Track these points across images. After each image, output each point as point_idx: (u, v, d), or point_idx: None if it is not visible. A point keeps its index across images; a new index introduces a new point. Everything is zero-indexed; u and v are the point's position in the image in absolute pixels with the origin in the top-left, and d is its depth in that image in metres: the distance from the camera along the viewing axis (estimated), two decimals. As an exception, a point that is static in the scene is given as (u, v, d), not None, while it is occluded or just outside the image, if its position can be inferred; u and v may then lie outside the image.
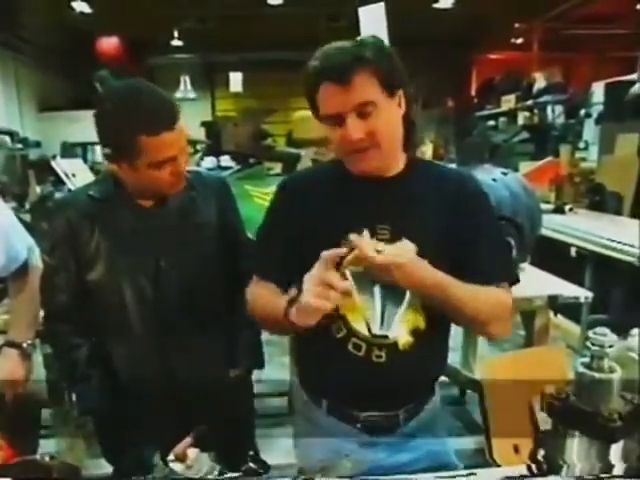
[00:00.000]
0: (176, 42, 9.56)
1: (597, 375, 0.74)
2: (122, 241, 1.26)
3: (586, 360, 0.75)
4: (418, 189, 1.10)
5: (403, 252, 0.96)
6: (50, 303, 1.33)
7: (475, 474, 0.98)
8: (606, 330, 0.72)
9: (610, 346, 0.71)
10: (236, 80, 9.86)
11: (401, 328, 1.06)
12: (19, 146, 7.27)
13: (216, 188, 1.38)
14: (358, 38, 1.05)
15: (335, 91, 1.00)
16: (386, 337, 1.05)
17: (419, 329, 1.08)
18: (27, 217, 3.82)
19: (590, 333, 0.73)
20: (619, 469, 0.72)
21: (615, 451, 0.72)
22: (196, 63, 11.08)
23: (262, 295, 1.13)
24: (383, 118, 1.02)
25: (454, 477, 0.98)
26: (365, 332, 1.06)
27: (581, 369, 0.75)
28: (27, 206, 4.66)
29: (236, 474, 0.97)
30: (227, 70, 10.17)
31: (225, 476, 0.96)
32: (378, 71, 1.00)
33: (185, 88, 9.94)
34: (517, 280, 1.14)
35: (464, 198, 1.10)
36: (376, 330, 1.05)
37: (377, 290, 1.03)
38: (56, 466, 0.99)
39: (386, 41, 1.08)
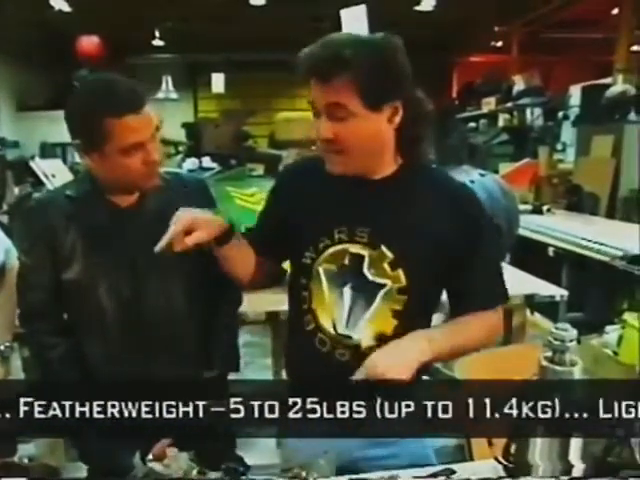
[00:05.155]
0: (157, 42, 9.47)
1: (559, 368, 0.77)
2: (97, 241, 1.26)
3: (549, 354, 0.78)
4: (406, 194, 1.07)
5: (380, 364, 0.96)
6: (25, 302, 1.32)
7: (455, 472, 0.99)
8: (567, 325, 0.75)
9: (571, 340, 0.74)
10: (218, 81, 9.80)
11: (365, 331, 1.07)
12: (-4, 146, 7.13)
13: (194, 189, 1.37)
14: (358, 35, 1.06)
15: (317, 85, 1.00)
16: (350, 337, 1.07)
17: (385, 334, 1.07)
18: (4, 218, 3.76)
19: (552, 328, 0.76)
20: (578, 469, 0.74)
21: (575, 450, 0.75)
22: (178, 63, 11.00)
23: None
24: (357, 129, 0.99)
25: (435, 476, 1.00)
26: (331, 330, 1.08)
27: (544, 363, 0.78)
28: (5, 207, 4.58)
29: (216, 473, 0.97)
30: (209, 71, 10.10)
31: (205, 476, 0.97)
32: (358, 81, 0.97)
33: (167, 88, 9.84)
34: (507, 298, 1.17)
35: (461, 217, 1.07)
36: (341, 329, 1.08)
37: (347, 291, 1.06)
38: (34, 468, 1.00)
39: None
